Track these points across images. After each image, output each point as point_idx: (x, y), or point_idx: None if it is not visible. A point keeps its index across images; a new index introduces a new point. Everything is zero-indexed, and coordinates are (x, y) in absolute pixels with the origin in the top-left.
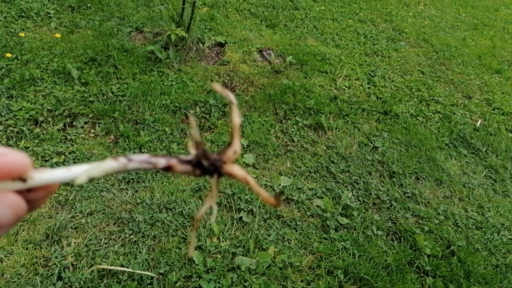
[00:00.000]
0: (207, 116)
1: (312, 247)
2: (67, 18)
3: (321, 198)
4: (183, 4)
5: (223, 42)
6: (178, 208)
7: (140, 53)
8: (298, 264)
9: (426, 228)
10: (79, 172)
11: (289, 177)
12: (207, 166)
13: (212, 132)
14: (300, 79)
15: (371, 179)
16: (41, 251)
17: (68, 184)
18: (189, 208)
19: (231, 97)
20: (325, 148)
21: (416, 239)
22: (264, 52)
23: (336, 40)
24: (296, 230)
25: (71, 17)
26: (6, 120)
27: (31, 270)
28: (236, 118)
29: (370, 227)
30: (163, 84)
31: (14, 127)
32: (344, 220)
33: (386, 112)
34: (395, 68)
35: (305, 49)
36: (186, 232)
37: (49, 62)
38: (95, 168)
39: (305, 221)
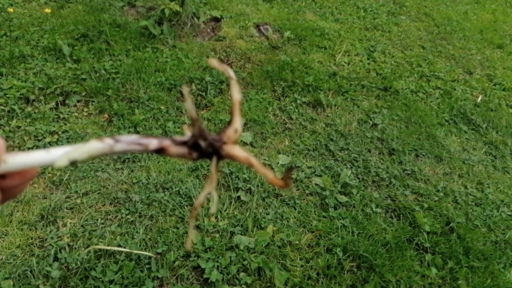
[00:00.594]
0: (203, 94)
1: (311, 225)
2: None
3: (320, 176)
4: None
5: (219, 17)
6: (175, 188)
7: (133, 29)
8: (297, 242)
9: (426, 205)
10: (59, 154)
11: (288, 155)
12: (205, 148)
13: (209, 110)
14: (298, 55)
15: (371, 156)
16: (36, 232)
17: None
18: (186, 188)
19: (230, 72)
20: (324, 125)
21: (415, 216)
22: (261, 27)
23: (336, 14)
24: (295, 209)
25: None
26: None
27: (27, 251)
28: (236, 94)
29: (369, 205)
30: (158, 60)
31: (5, 106)
32: (343, 198)
33: (386, 88)
34: (395, 43)
35: (304, 24)
36: (184, 211)
37: (39, 38)
38: (77, 150)
39: (303, 199)
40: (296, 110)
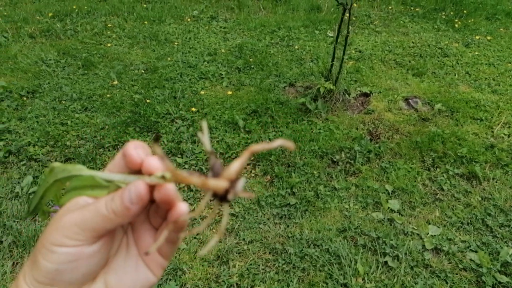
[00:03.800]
0: (352, 162)
1: None
2: (235, 77)
3: (476, 252)
4: (332, 60)
5: (368, 92)
6: (325, 245)
7: (292, 105)
8: None
9: None
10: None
11: (438, 227)
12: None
13: (357, 176)
14: (450, 127)
15: None
16: (213, 269)
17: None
18: (335, 247)
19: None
20: (480, 199)
21: None
22: (410, 100)
23: (493, 85)
24: (447, 282)
25: (238, 76)
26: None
27: (206, 284)
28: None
29: None
30: (312, 131)
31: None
32: (504, 278)
33: None
34: None
35: (456, 96)
36: (332, 268)
37: (221, 114)
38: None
39: (456, 274)
40: (448, 181)
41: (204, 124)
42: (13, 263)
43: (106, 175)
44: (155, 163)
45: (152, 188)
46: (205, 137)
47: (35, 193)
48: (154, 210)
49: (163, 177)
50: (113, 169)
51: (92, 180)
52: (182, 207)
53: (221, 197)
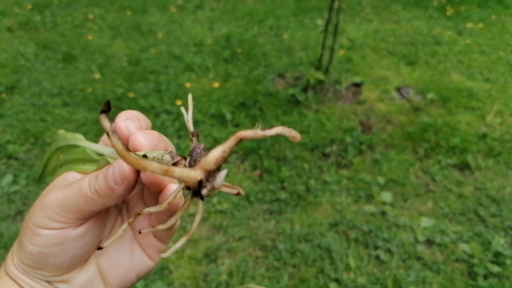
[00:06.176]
0: (343, 154)
1: None
2: (222, 69)
3: (468, 242)
4: (322, 49)
5: (360, 82)
6: (316, 241)
7: (282, 97)
8: None
9: None
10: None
11: (431, 218)
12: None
13: (348, 169)
14: (442, 117)
15: None
16: (201, 267)
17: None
18: (326, 241)
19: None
20: (472, 189)
21: None
22: (402, 90)
23: (485, 74)
24: (438, 274)
25: (225, 68)
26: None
27: (194, 283)
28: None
29: None
30: (302, 123)
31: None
32: (495, 268)
33: None
34: None
35: (449, 85)
36: (324, 264)
37: (208, 107)
38: None
39: (448, 265)
40: (440, 172)
41: (190, 98)
42: None
43: (99, 148)
44: (141, 140)
45: None
46: (189, 114)
47: (40, 161)
48: (148, 189)
49: (144, 157)
50: (107, 141)
51: (83, 153)
52: (172, 190)
53: (194, 192)
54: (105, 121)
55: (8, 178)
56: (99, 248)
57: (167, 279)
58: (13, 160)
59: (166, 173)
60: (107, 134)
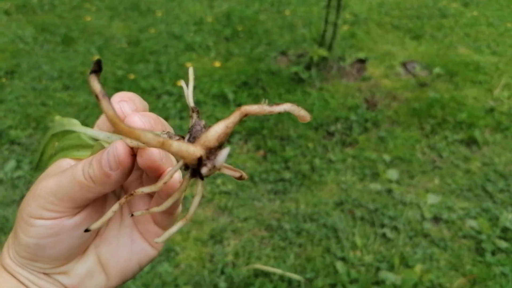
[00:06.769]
0: (348, 132)
1: (464, 269)
2: (223, 48)
3: (475, 218)
4: (325, 25)
5: (364, 58)
6: (321, 220)
7: (284, 75)
8: (448, 285)
9: None
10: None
11: (438, 195)
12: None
13: (353, 147)
14: (449, 91)
15: None
16: (207, 248)
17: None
18: (332, 220)
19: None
20: (479, 165)
21: None
22: (407, 65)
23: (492, 46)
24: (446, 251)
25: (227, 46)
26: None
27: (200, 264)
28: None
29: None
30: (306, 102)
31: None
32: (503, 244)
33: None
34: None
35: (455, 58)
36: (329, 243)
37: (210, 87)
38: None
39: (456, 242)
40: (447, 148)
41: (191, 71)
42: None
43: (94, 132)
44: (137, 122)
45: (136, 151)
46: (189, 88)
47: (38, 148)
48: (147, 176)
49: None
50: (102, 126)
51: (78, 139)
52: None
53: (193, 171)
54: (95, 83)
55: (12, 163)
56: (87, 230)
57: (174, 261)
58: (15, 145)
59: (162, 145)
60: (96, 97)
